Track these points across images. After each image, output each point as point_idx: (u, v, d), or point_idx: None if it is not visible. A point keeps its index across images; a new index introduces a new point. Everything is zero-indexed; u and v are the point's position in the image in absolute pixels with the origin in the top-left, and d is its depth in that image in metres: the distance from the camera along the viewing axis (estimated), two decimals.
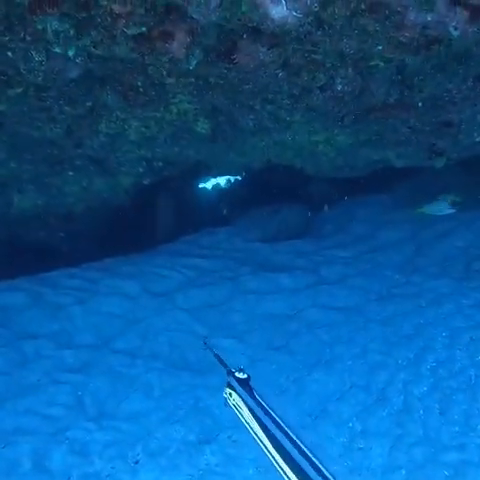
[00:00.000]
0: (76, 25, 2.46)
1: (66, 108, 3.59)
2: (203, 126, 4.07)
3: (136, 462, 3.17)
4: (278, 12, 2.18)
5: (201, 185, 7.92)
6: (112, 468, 3.12)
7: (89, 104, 3.65)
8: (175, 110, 3.84)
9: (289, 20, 2.24)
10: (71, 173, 4.94)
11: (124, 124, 3.99)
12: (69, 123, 3.88)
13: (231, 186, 7.97)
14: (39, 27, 2.41)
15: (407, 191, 6.55)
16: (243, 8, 2.34)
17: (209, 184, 8.04)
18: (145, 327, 4.58)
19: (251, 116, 3.91)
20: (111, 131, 4.06)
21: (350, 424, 3.61)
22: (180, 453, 3.30)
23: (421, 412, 3.64)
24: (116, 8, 2.30)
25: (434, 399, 3.72)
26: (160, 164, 5.15)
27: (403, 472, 3.12)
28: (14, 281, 5.02)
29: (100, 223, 6.03)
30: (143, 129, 4.07)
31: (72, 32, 2.48)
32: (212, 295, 5.05)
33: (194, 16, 2.33)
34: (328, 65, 3.09)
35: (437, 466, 3.13)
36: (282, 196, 6.51)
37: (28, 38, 2.44)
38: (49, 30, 2.43)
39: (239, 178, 7.87)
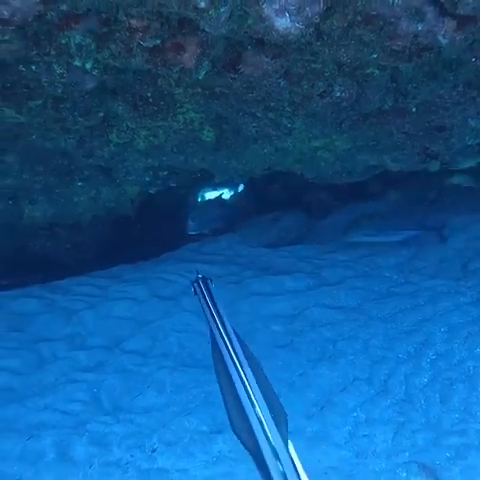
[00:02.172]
0: (97, 39, 2.67)
1: (80, 119, 3.80)
2: (208, 134, 4.28)
3: (153, 451, 3.34)
4: (282, 24, 2.39)
5: (201, 197, 8.08)
6: (131, 456, 3.28)
7: (101, 115, 3.85)
8: (182, 119, 4.04)
9: (292, 31, 2.45)
10: (80, 183, 5.13)
11: (133, 134, 4.20)
12: (82, 134, 4.09)
13: (231, 197, 8.16)
14: (63, 42, 2.62)
15: (402, 197, 6.78)
16: (249, 21, 2.55)
17: (209, 195, 8.20)
18: (154, 329, 4.75)
19: (254, 124, 4.12)
20: (121, 141, 4.26)
21: (354, 414, 3.78)
22: (194, 442, 3.46)
23: (422, 401, 3.81)
24: (134, 23, 2.51)
25: (435, 389, 3.90)
26: (165, 173, 5.35)
27: (407, 454, 3.29)
28: (25, 289, 5.20)
29: (106, 232, 6.22)
30: (151, 138, 4.28)
31: (93, 46, 2.69)
32: (217, 298, 5.22)
33: (206, 29, 2.54)
34: (327, 74, 3.31)
35: (439, 449, 3.30)
36: (282, 203, 6.72)
37: (53, 52, 2.65)
38: (72, 44, 2.64)
39: (238, 190, 8.05)
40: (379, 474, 3.14)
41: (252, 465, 2.99)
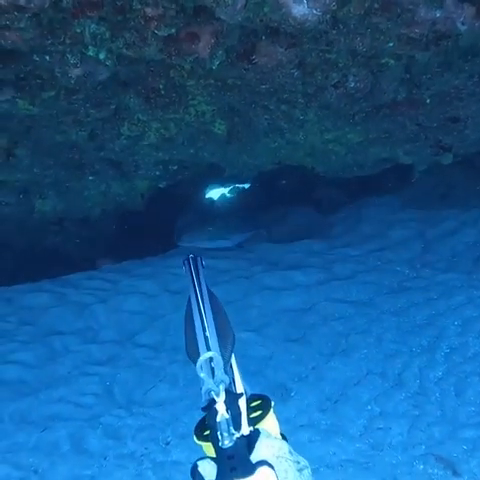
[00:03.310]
0: (111, 28, 2.66)
1: (92, 111, 3.78)
2: (220, 127, 4.25)
3: (167, 443, 3.33)
4: (299, 11, 2.37)
5: (208, 195, 8.03)
6: (145, 449, 3.28)
7: (113, 107, 3.84)
8: (194, 112, 4.02)
9: (309, 18, 2.43)
10: (91, 178, 5.12)
11: (145, 126, 4.18)
12: (93, 126, 4.08)
13: (240, 192, 8.09)
14: (78, 30, 2.60)
15: (415, 191, 6.73)
16: (265, 8, 2.53)
17: (216, 192, 8.14)
18: (165, 323, 4.75)
19: (266, 116, 4.09)
20: (132, 134, 4.24)
21: (369, 407, 3.76)
22: None
23: (437, 395, 3.79)
24: (149, 11, 2.49)
25: (449, 382, 3.87)
26: (175, 167, 5.33)
27: (423, 447, 3.26)
28: (36, 283, 5.20)
29: (115, 227, 6.21)
30: (162, 131, 4.26)
31: (107, 34, 2.68)
32: (228, 292, 5.21)
33: (221, 17, 2.52)
34: (341, 64, 3.28)
35: (456, 442, 3.28)
36: (292, 198, 6.68)
37: (67, 41, 2.63)
38: (87, 33, 2.62)
39: (246, 186, 8.00)
40: (396, 466, 3.12)
41: None
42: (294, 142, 4.54)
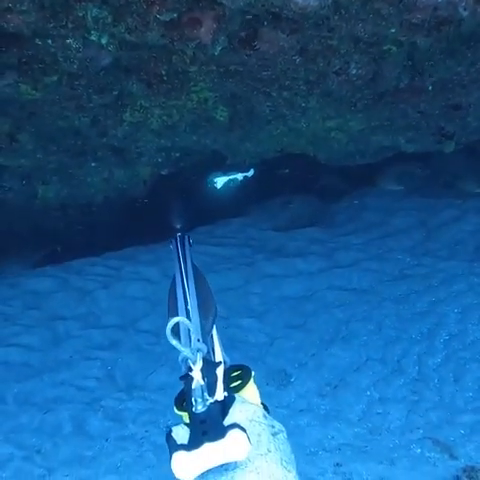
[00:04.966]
0: (113, 12, 2.66)
1: (94, 97, 3.78)
2: (222, 114, 4.25)
3: (167, 427, 3.36)
4: None
5: (210, 183, 8.01)
6: (146, 432, 3.32)
7: (115, 93, 3.84)
8: (196, 98, 4.02)
9: (311, 3, 2.43)
10: (94, 164, 5.13)
11: (147, 113, 4.18)
12: (96, 112, 4.08)
13: (242, 180, 8.08)
14: (80, 14, 2.61)
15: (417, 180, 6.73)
16: None
17: (218, 180, 8.12)
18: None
19: (268, 103, 4.08)
20: (134, 120, 4.25)
21: (368, 393, 3.80)
22: None
23: (436, 381, 3.83)
24: None
25: (448, 369, 3.91)
26: (178, 154, 5.33)
27: (421, 432, 3.30)
28: (40, 269, 5.25)
29: (118, 214, 6.22)
30: (165, 117, 4.26)
31: (109, 19, 2.68)
32: (230, 279, 5.24)
33: (223, 2, 2.52)
34: (343, 50, 3.27)
35: (453, 426, 3.32)
36: (294, 185, 6.69)
37: (69, 25, 2.64)
38: (89, 17, 2.63)
39: (249, 174, 7.99)
40: (393, 450, 3.16)
41: None
42: (296, 129, 4.54)
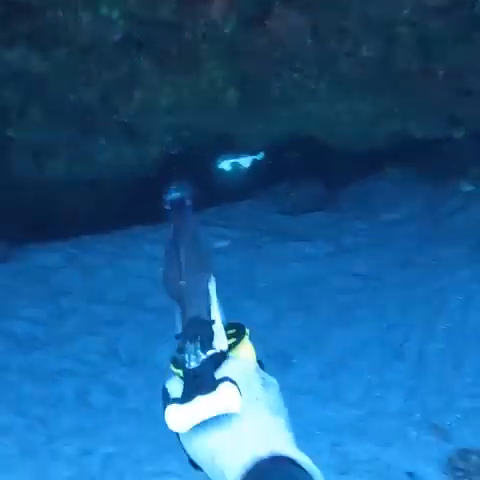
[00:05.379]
0: None
1: (104, 72, 3.80)
2: (232, 95, 4.26)
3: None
4: None
5: (220, 164, 7.98)
6: (147, 406, 3.36)
7: (126, 69, 3.85)
8: (207, 77, 4.02)
9: None
10: (103, 141, 5.14)
11: (157, 90, 4.19)
12: (106, 88, 4.10)
13: (252, 163, 8.05)
14: None
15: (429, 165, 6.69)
16: None
17: (227, 163, 8.09)
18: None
19: (278, 84, 4.08)
20: (145, 97, 4.26)
21: (368, 376, 3.83)
22: None
23: (435, 367, 3.85)
24: None
25: (448, 356, 3.93)
26: (187, 134, 5.34)
27: (418, 415, 3.33)
28: (48, 243, 5.29)
29: (127, 192, 6.23)
30: (175, 96, 4.27)
31: None
32: (235, 261, 5.27)
33: None
34: (355, 32, 3.27)
35: (450, 411, 3.34)
36: (302, 170, 6.67)
37: None
38: None
39: (258, 158, 7.95)
40: (390, 432, 3.20)
41: None
42: (306, 112, 4.53)
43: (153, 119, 4.77)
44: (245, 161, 8.21)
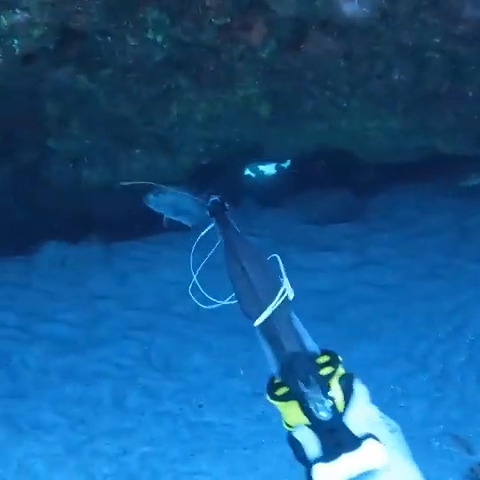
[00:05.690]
0: (172, 15, 2.83)
1: (144, 89, 3.97)
2: (265, 109, 4.39)
3: (200, 406, 3.58)
4: (350, 8, 2.50)
5: (248, 172, 8.12)
6: (180, 409, 3.53)
7: (164, 86, 4.02)
8: (241, 93, 4.16)
9: (359, 15, 2.56)
10: (138, 151, 5.32)
11: (193, 105, 4.35)
12: (144, 103, 4.27)
13: (278, 170, 8.17)
14: (141, 16, 2.78)
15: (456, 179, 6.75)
16: (317, 3, 2.67)
17: (256, 171, 8.23)
18: (202, 294, 4.97)
19: (310, 102, 4.21)
20: (181, 112, 4.42)
21: (392, 387, 3.94)
22: (238, 402, 3.69)
23: (458, 379, 3.94)
24: (208, 1, 2.66)
25: (471, 369, 4.02)
26: (218, 145, 5.49)
27: (441, 427, 3.44)
28: (83, 249, 5.49)
29: None
30: (210, 110, 4.42)
31: (167, 21, 2.85)
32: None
33: (275, 9, 2.66)
34: (386, 56, 3.39)
35: (473, 423, 3.44)
36: (330, 179, 6.78)
37: (130, 25, 2.82)
38: (149, 19, 2.80)
39: (284, 165, 8.07)
40: (412, 442, 3.29)
41: None
42: (336, 128, 4.65)
43: (187, 132, 4.93)
44: (271, 168, 8.34)
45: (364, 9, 2.47)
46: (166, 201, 4.39)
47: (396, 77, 3.46)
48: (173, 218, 4.69)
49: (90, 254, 5.18)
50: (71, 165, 5.49)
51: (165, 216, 4.38)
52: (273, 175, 8.21)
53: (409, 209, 6.52)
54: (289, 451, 2.72)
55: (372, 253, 5.67)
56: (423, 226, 6.18)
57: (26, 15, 2.43)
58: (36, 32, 2.56)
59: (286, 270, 1.66)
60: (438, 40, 2.98)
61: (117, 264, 5.10)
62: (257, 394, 3.80)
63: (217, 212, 1.95)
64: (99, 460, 2.93)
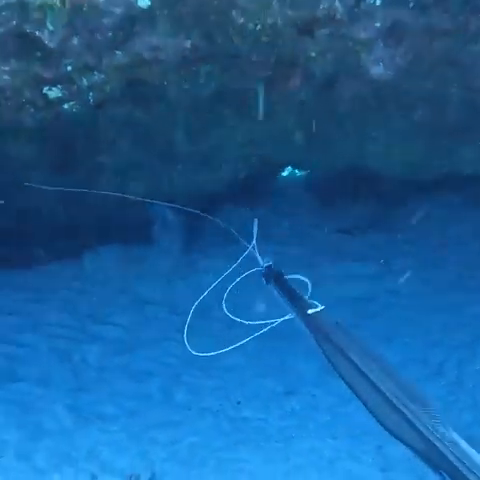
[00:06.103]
0: (221, 68, 3.28)
1: (191, 117, 4.44)
2: (299, 136, 4.84)
3: (238, 403, 4.07)
4: (376, 71, 2.91)
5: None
6: (220, 405, 4.02)
7: (210, 115, 4.49)
8: (278, 121, 4.61)
9: (384, 77, 2.97)
10: (180, 167, 5.81)
11: (234, 131, 4.82)
12: (190, 128, 4.75)
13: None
14: (194, 68, 3.24)
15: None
16: (348, 64, 3.09)
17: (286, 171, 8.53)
18: (236, 300, 5.44)
19: (340, 132, 4.65)
20: (222, 135, 4.90)
21: None
22: (270, 400, 4.15)
23: (471, 386, 4.33)
24: (254, 57, 3.10)
25: None
26: (255, 161, 5.96)
27: (453, 426, 3.83)
28: (128, 255, 5.99)
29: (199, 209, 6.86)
30: (249, 135, 4.88)
31: (217, 71, 3.30)
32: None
33: (313, 70, 3.10)
34: (409, 100, 3.80)
35: None
36: (355, 190, 7.13)
37: (185, 74, 3.28)
38: (202, 72, 3.26)
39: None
40: None
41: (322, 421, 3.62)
42: (364, 151, 5.07)
43: (227, 151, 5.41)
44: (301, 172, 8.67)
45: (389, 72, 2.88)
46: None
47: (419, 115, 3.86)
48: None
49: (135, 259, 5.67)
50: (118, 178, 6.01)
51: None
52: (302, 176, 8.46)
53: (434, 221, 6.86)
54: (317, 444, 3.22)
55: (397, 263, 6.05)
56: (447, 238, 6.53)
57: (103, 76, 2.90)
58: (108, 87, 3.04)
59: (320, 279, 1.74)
60: (455, 90, 3.37)
61: (160, 270, 5.60)
62: (288, 393, 4.27)
63: (274, 279, 1.86)
64: (156, 447, 3.43)
